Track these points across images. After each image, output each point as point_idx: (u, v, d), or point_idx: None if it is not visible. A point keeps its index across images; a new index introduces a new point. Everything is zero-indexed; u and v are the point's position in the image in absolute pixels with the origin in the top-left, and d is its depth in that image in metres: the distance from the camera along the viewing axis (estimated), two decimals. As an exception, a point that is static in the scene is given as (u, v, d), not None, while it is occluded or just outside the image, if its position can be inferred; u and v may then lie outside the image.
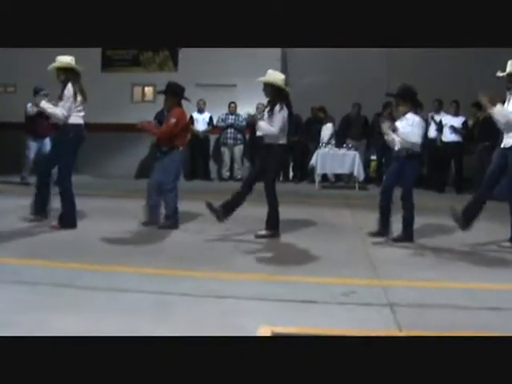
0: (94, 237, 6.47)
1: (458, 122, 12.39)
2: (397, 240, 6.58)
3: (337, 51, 13.80)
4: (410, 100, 6.64)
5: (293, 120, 6.90)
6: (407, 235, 6.61)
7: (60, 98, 6.82)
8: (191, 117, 13.81)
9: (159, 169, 7.27)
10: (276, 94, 6.71)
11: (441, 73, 13.71)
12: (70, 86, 6.77)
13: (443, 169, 12.78)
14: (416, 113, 6.69)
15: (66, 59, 6.91)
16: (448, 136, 12.47)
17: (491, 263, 5.72)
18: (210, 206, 6.74)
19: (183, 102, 7.36)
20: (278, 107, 6.64)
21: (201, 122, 14.18)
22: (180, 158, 7.32)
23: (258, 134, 6.92)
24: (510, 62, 6.38)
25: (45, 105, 6.89)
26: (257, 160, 7.50)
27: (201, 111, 14.16)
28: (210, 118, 14.23)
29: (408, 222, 6.62)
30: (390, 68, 14.07)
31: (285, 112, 6.66)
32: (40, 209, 7.14)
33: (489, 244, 6.52)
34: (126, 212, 7.74)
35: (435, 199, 11.29)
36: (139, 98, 15.00)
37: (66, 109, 6.72)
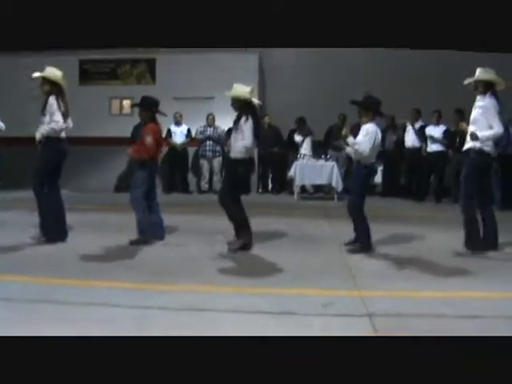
0: (72, 251, 6.42)
1: (438, 131, 12.48)
2: (350, 251, 6.61)
3: (316, 63, 13.91)
4: (372, 110, 6.70)
5: (258, 133, 6.87)
6: (362, 246, 6.62)
7: (42, 112, 6.76)
8: (169, 130, 13.83)
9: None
10: (243, 107, 6.70)
11: (423, 81, 13.82)
12: (52, 99, 6.70)
13: (424, 178, 12.86)
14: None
15: (54, 72, 6.81)
16: (431, 146, 12.57)
17: (466, 272, 5.75)
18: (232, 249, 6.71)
19: (159, 115, 7.36)
20: (243, 119, 6.62)
21: (178, 135, 14.19)
22: (148, 173, 7.21)
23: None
24: (478, 70, 6.47)
25: (38, 135, 6.73)
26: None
27: (178, 124, 14.17)
28: (188, 130, 14.24)
29: (359, 233, 6.66)
30: (370, 80, 14.15)
31: (250, 123, 6.62)
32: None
33: (464, 253, 6.55)
34: (104, 226, 7.70)
35: (415, 208, 11.38)
36: (117, 111, 14.98)
37: (58, 119, 6.67)
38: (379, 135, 6.69)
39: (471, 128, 6.54)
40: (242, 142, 6.61)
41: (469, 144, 6.57)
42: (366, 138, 6.56)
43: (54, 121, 6.67)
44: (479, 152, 6.48)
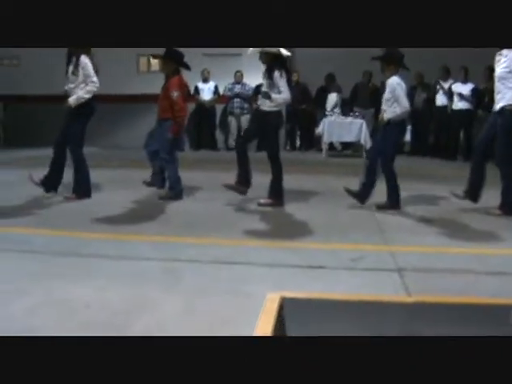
0: (102, 206, 6.49)
1: (466, 89, 12.26)
2: (380, 207, 6.52)
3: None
4: (393, 64, 6.49)
5: (290, 86, 6.75)
6: (391, 203, 6.53)
7: (73, 72, 6.71)
8: (196, 87, 13.80)
9: (154, 138, 7.27)
10: (273, 61, 6.56)
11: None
12: (83, 57, 6.64)
13: (453, 137, 12.69)
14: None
15: None
16: (457, 104, 12.37)
17: (495, 230, 5.68)
18: (227, 186, 6.75)
19: (187, 72, 7.27)
20: (277, 73, 6.46)
21: (206, 92, 14.14)
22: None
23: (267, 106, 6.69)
24: None
25: (75, 100, 6.69)
26: (250, 124, 7.52)
27: (205, 81, 14.12)
28: (216, 87, 14.18)
29: (390, 191, 6.55)
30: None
31: (285, 77, 6.51)
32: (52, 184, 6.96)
33: (493, 212, 6.43)
34: (134, 182, 7.74)
35: (443, 167, 11.27)
36: (145, 68, 14.94)
37: (95, 80, 6.67)
38: (401, 87, 6.50)
39: (498, 85, 6.22)
40: (282, 96, 6.52)
41: (501, 103, 6.19)
42: (389, 93, 6.46)
43: (92, 82, 6.65)
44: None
